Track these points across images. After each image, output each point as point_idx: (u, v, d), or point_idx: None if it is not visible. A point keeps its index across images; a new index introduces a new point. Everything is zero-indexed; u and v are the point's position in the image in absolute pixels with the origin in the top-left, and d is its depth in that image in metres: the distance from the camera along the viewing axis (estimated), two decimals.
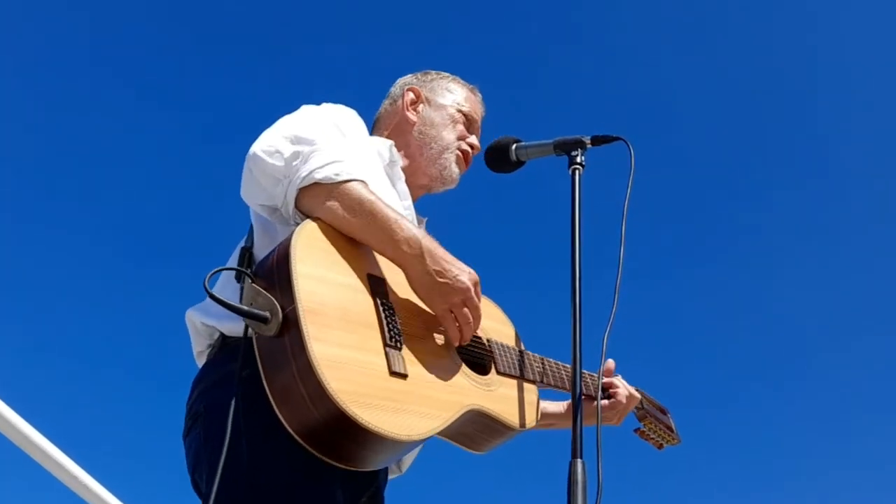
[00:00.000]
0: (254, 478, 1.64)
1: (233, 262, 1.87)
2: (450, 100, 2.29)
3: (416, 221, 2.11)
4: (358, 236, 1.78)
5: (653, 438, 2.53)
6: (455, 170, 2.23)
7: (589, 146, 2.09)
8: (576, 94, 7.14)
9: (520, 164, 2.23)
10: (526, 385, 2.10)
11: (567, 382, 2.15)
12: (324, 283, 1.67)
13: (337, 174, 1.75)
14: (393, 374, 1.68)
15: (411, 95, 2.28)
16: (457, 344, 1.86)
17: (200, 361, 1.90)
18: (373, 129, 2.29)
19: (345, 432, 1.57)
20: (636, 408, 2.45)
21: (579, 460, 1.68)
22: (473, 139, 2.29)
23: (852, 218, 7.20)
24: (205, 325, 1.87)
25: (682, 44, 7.32)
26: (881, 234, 7.13)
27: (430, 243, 1.79)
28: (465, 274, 1.81)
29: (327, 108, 2.03)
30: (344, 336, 1.63)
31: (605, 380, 2.36)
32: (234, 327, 1.77)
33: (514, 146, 2.21)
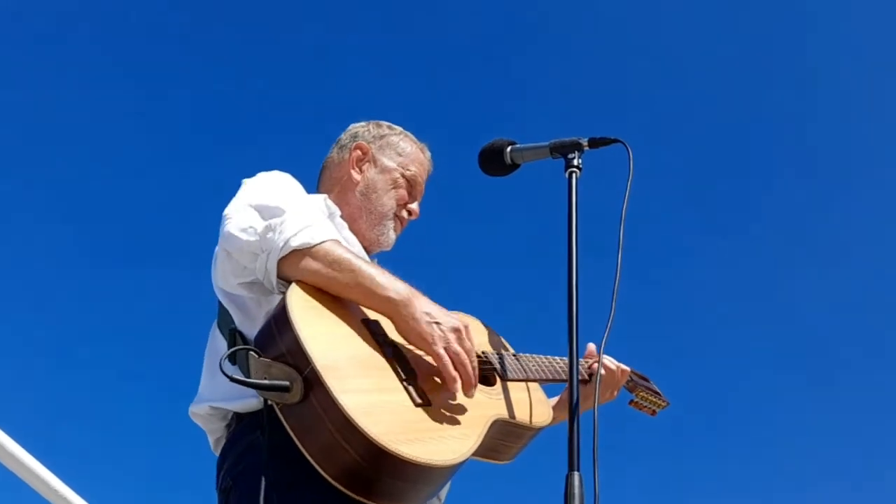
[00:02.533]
0: None
1: (218, 346, 1.96)
2: (396, 162, 2.30)
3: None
4: (343, 294, 1.85)
5: (646, 407, 2.61)
6: (392, 236, 2.27)
7: (586, 149, 2.06)
8: (574, 94, 7.11)
9: (515, 167, 2.19)
10: (530, 385, 2.15)
11: (563, 373, 2.20)
12: (328, 338, 1.74)
13: (312, 237, 1.83)
14: (418, 405, 1.75)
15: (358, 153, 2.30)
16: (455, 387, 1.82)
17: (219, 448, 1.95)
18: (320, 174, 2.35)
19: (394, 471, 1.64)
20: (626, 381, 2.51)
21: (576, 473, 1.66)
22: (414, 205, 2.31)
23: (857, 217, 7.17)
24: (215, 409, 1.93)
25: (682, 44, 7.28)
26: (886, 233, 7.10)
27: (415, 291, 1.86)
28: (454, 319, 1.86)
29: (267, 175, 2.08)
30: (364, 382, 1.71)
31: (592, 360, 2.38)
32: (246, 404, 1.84)
33: (508, 149, 2.17)
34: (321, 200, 2.13)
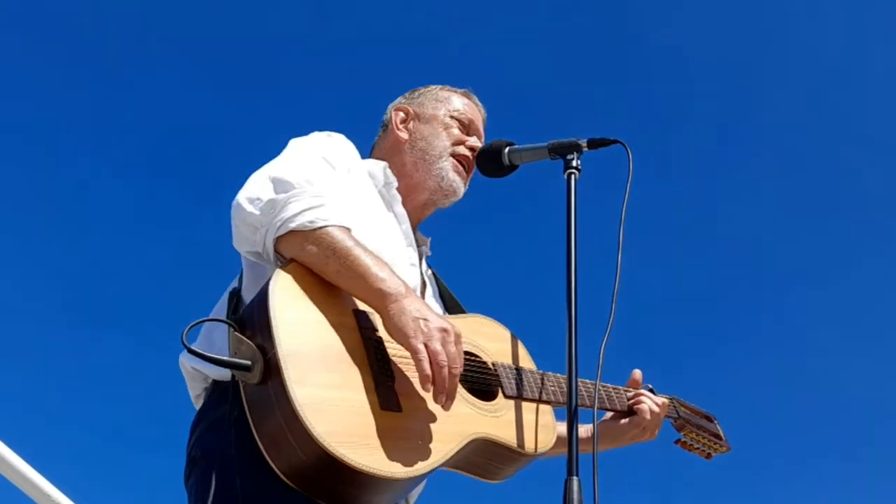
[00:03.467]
0: None
1: (222, 305, 1.89)
2: (441, 110, 2.25)
3: (414, 245, 2.11)
4: (335, 281, 1.77)
5: (696, 448, 2.41)
6: (454, 178, 2.17)
7: (585, 149, 2.04)
8: (572, 94, 7.09)
9: (513, 168, 2.17)
10: (540, 407, 2.01)
11: (587, 399, 2.02)
12: (304, 324, 1.67)
13: (312, 221, 1.75)
14: (385, 409, 1.65)
15: (401, 115, 2.26)
16: (427, 387, 1.67)
17: (198, 405, 1.92)
18: (370, 156, 2.26)
19: (338, 476, 1.56)
20: (672, 418, 2.36)
21: (575, 478, 1.64)
22: (473, 140, 2.22)
23: (858, 218, 7.16)
24: (196, 370, 1.89)
25: (682, 43, 7.27)
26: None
27: (410, 289, 1.76)
28: (444, 320, 1.74)
29: (315, 138, 2.03)
30: (328, 377, 1.62)
31: (630, 392, 2.29)
32: (223, 372, 1.78)
33: (506, 149, 2.15)
34: (380, 168, 2.08)
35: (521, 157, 2.15)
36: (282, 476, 1.59)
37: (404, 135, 2.22)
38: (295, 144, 2.00)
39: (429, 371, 1.66)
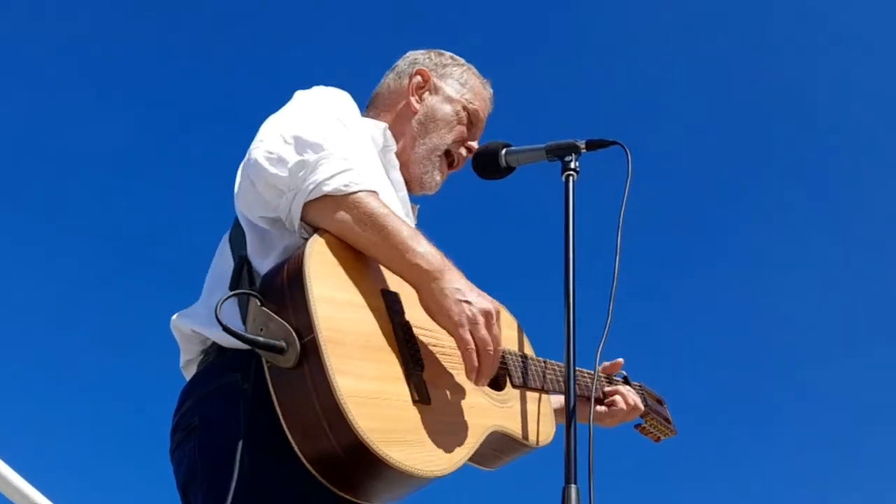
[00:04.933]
0: (256, 499, 1.57)
1: (224, 266, 1.78)
2: (459, 93, 2.15)
3: (412, 214, 2.04)
4: (369, 252, 1.68)
5: (652, 433, 2.52)
6: (436, 178, 2.11)
7: (583, 151, 2.02)
8: (570, 95, 7.07)
9: (510, 170, 2.14)
10: (542, 396, 2.03)
11: (583, 388, 2.06)
12: (340, 306, 1.59)
13: (346, 185, 1.64)
14: (416, 402, 1.61)
15: (419, 79, 2.15)
16: (472, 377, 1.68)
17: (189, 371, 1.81)
18: (370, 104, 2.18)
19: (370, 470, 1.52)
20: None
21: (573, 486, 1.63)
22: (473, 143, 2.17)
23: (855, 218, 7.15)
24: (195, 333, 1.78)
25: (682, 43, 7.25)
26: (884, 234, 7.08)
27: (447, 262, 1.68)
28: (487, 299, 1.69)
29: (321, 94, 1.92)
30: (366, 366, 1.56)
31: (609, 388, 2.33)
32: (234, 339, 1.65)
33: (503, 151, 2.13)
34: (381, 130, 1.97)
35: (518, 158, 2.12)
36: (306, 462, 1.51)
37: (417, 105, 2.12)
38: (302, 98, 1.87)
39: (476, 363, 1.65)
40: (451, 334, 1.67)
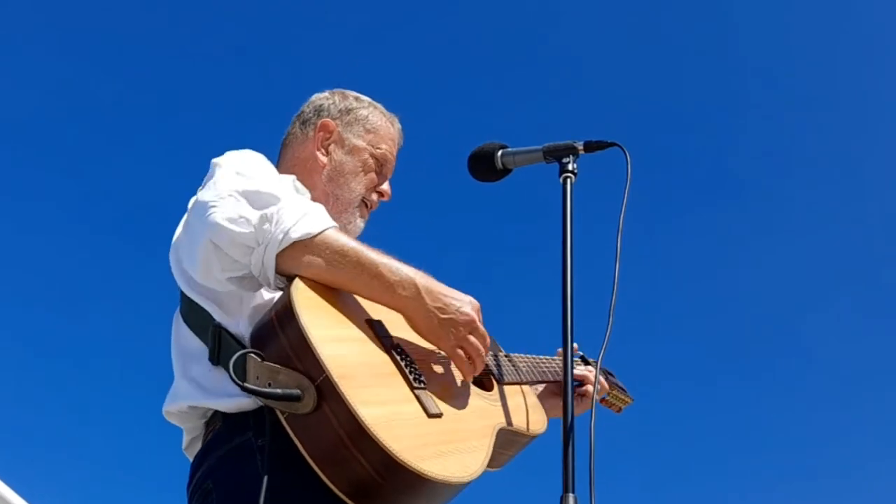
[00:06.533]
0: None
1: (189, 343, 1.85)
2: (365, 140, 2.15)
3: None
4: (347, 288, 1.78)
5: (614, 404, 2.63)
6: (359, 224, 2.13)
7: (581, 153, 2.02)
8: (569, 95, 7.06)
9: (506, 172, 2.13)
10: (525, 389, 2.15)
11: (552, 375, 2.26)
12: (338, 342, 1.69)
13: (312, 227, 1.73)
14: (431, 416, 1.72)
15: (323, 134, 2.15)
16: (469, 379, 1.88)
17: (193, 450, 1.86)
18: (280, 155, 2.19)
19: (408, 488, 1.61)
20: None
21: (571, 495, 1.64)
22: (385, 186, 2.18)
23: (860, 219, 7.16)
24: (192, 408, 1.83)
25: (681, 43, 7.25)
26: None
27: (424, 280, 1.80)
28: (466, 304, 1.83)
29: (241, 156, 1.93)
30: (379, 392, 1.67)
31: (578, 372, 2.34)
32: (239, 403, 1.74)
33: (499, 153, 2.12)
34: (290, 182, 1.96)
35: (514, 160, 2.11)
36: (339, 493, 1.59)
37: (323, 158, 2.12)
38: (227, 163, 1.89)
39: (471, 368, 1.85)
40: (447, 355, 1.85)
